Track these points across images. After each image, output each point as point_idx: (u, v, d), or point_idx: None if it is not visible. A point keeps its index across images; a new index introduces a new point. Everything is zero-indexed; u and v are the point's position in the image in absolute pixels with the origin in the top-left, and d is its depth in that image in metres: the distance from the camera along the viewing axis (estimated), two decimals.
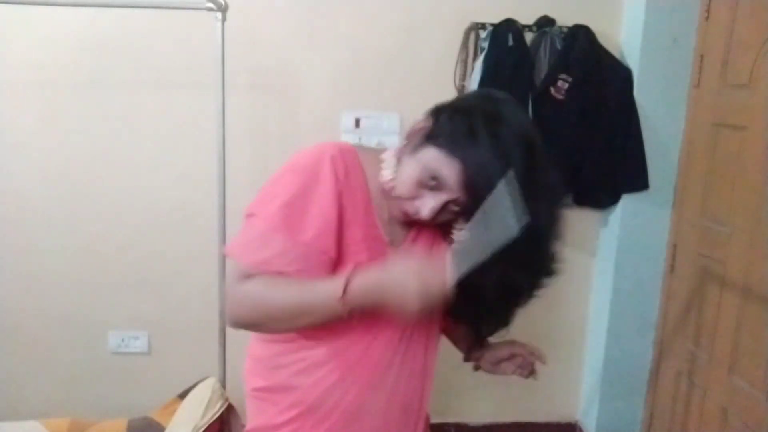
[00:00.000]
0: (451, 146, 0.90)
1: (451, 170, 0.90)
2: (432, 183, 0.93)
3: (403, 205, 0.97)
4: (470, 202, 0.89)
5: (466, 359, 1.21)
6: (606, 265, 2.30)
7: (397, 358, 1.02)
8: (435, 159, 0.92)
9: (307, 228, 0.93)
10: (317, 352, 0.99)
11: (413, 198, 0.95)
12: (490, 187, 0.83)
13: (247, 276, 0.93)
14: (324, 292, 0.90)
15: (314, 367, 0.99)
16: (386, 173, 0.99)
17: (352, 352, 0.99)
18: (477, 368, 1.20)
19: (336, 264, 0.96)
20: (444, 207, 0.94)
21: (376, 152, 1.04)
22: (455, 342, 1.23)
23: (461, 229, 0.95)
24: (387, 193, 1.00)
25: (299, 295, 0.92)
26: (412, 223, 1.03)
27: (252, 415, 1.08)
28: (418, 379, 1.06)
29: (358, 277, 0.89)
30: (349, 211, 0.97)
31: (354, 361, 0.99)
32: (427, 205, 0.94)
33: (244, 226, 0.97)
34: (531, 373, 1.17)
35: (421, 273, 0.86)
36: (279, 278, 0.93)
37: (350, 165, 0.98)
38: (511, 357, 1.16)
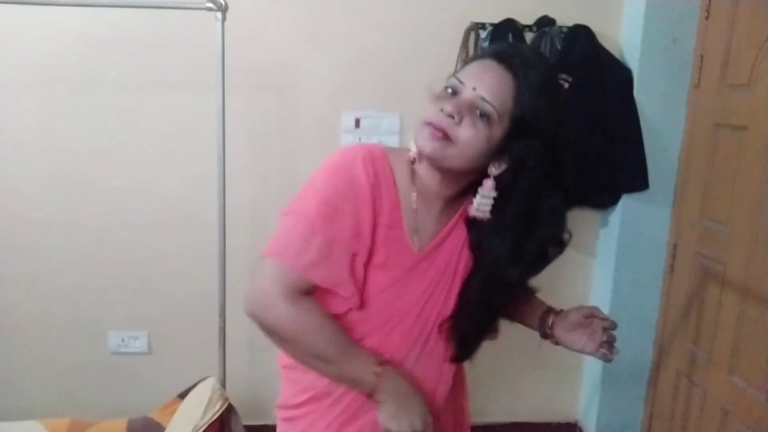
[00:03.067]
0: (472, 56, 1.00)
1: (470, 69, 0.98)
2: (449, 93, 0.97)
3: (427, 121, 0.95)
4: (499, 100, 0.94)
5: (543, 336, 1.16)
6: (606, 265, 2.30)
7: (409, 360, 1.03)
8: (450, 78, 0.99)
9: (343, 228, 0.96)
10: None
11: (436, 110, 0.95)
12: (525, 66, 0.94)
13: (298, 292, 0.95)
14: (360, 369, 0.97)
15: None
16: (412, 152, 1.03)
17: (361, 347, 1.01)
18: (556, 343, 1.14)
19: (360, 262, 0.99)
20: (469, 107, 0.94)
21: (407, 153, 1.05)
22: (523, 323, 1.19)
23: (483, 198, 1.00)
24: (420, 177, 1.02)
25: (337, 354, 0.97)
26: (441, 220, 1.05)
27: (281, 390, 1.13)
28: (431, 383, 1.06)
29: (390, 379, 0.97)
30: (377, 212, 0.99)
31: None
32: (447, 103, 0.94)
33: (281, 225, 0.99)
34: (611, 348, 1.09)
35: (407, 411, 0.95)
36: (327, 320, 0.97)
37: (379, 166, 1.00)
38: (585, 323, 1.09)
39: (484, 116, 0.94)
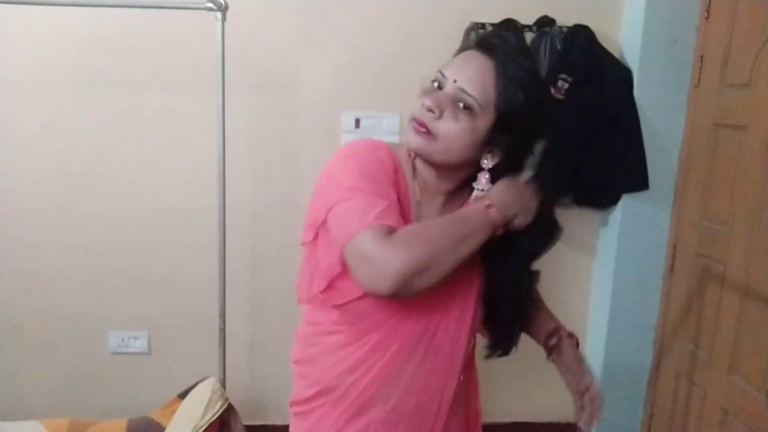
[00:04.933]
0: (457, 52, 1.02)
1: (454, 61, 1.00)
2: (434, 87, 0.98)
3: (412, 117, 0.97)
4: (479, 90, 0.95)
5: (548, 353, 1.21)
6: (606, 265, 2.30)
7: (416, 355, 1.02)
8: (436, 72, 1.00)
9: (388, 189, 0.96)
10: (338, 336, 1.03)
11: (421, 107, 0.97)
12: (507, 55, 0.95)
13: (389, 231, 0.89)
14: (474, 214, 0.95)
15: (335, 348, 1.03)
16: (406, 147, 1.03)
17: (368, 340, 1.01)
18: (553, 361, 1.21)
19: None
20: (451, 101, 0.95)
21: (405, 148, 1.05)
22: (532, 335, 1.22)
23: (479, 193, 1.00)
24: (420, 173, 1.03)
25: (452, 224, 0.94)
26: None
27: (293, 386, 1.13)
28: (438, 380, 1.05)
29: (495, 198, 0.96)
30: (397, 197, 0.99)
31: (369, 350, 1.01)
32: (429, 98, 0.96)
33: (331, 221, 0.95)
34: (589, 423, 1.13)
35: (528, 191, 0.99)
36: (426, 222, 0.97)
37: (393, 158, 1.01)
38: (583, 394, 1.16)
39: (467, 108, 0.94)
